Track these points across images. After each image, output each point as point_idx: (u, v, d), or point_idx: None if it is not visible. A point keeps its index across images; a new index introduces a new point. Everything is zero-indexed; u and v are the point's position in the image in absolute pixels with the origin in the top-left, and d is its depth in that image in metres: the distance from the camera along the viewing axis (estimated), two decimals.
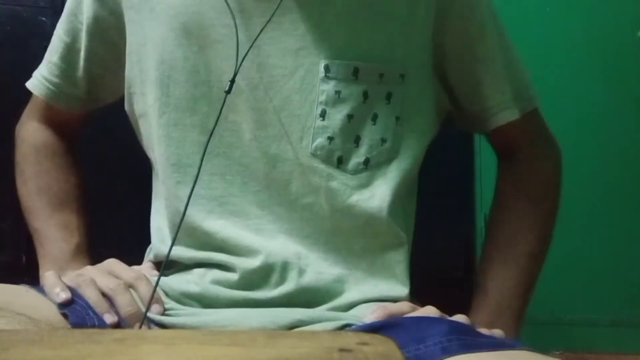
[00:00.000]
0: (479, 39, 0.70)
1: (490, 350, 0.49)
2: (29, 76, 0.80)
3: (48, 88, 0.77)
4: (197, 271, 0.68)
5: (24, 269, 1.05)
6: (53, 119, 0.80)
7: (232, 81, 0.63)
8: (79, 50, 0.76)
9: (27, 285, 0.63)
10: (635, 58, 2.02)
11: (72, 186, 0.79)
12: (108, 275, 0.65)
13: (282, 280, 0.65)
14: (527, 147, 0.77)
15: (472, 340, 0.51)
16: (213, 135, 0.64)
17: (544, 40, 2.06)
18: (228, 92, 0.63)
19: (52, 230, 0.75)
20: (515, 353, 0.51)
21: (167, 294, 0.66)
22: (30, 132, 0.81)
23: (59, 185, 0.78)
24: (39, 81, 0.78)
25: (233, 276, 0.65)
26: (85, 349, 0.36)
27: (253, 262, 0.65)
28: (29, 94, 0.81)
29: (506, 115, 0.72)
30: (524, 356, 0.51)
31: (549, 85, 2.03)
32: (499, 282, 0.72)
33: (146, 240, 0.77)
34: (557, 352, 1.78)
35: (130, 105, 0.74)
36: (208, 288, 0.66)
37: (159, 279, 0.61)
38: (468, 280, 0.99)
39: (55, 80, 0.77)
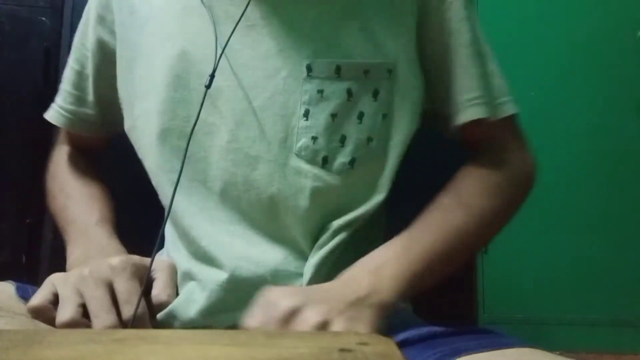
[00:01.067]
0: (452, 36, 0.69)
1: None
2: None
3: (64, 116, 0.80)
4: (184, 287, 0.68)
5: (24, 269, 1.05)
6: (78, 143, 0.84)
7: (212, 76, 0.63)
8: (88, 76, 0.78)
9: (13, 282, 0.63)
10: (635, 58, 2.03)
11: (96, 190, 0.81)
12: (101, 288, 0.59)
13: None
14: (496, 149, 0.72)
15: None
16: (193, 139, 0.64)
17: (544, 40, 2.06)
18: (208, 87, 0.63)
19: (77, 209, 0.76)
20: (519, 351, 0.51)
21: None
22: (58, 154, 0.84)
23: (84, 189, 0.80)
24: (55, 111, 0.81)
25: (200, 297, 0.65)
26: (85, 349, 0.36)
27: (221, 275, 0.64)
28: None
29: (473, 112, 0.68)
30: (529, 355, 0.51)
31: (548, 84, 2.04)
32: (412, 234, 0.65)
33: (145, 240, 0.77)
34: (557, 352, 1.77)
35: (125, 122, 0.75)
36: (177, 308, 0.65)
37: (145, 283, 0.60)
38: (468, 280, 0.99)
39: (70, 107, 0.80)
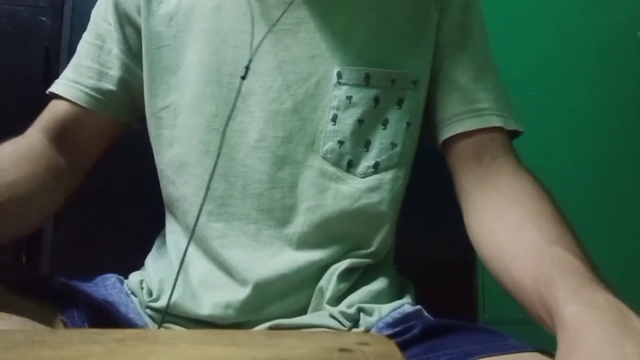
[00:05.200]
0: (464, 46, 0.70)
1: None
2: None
3: (80, 90, 0.71)
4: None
5: (24, 269, 1.05)
6: (66, 140, 0.72)
7: (247, 67, 0.65)
8: (110, 50, 0.72)
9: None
10: (635, 58, 2.03)
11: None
12: None
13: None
14: (507, 159, 0.67)
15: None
16: (218, 135, 0.65)
17: (543, 40, 2.06)
18: (244, 77, 0.65)
19: None
20: (530, 356, 0.51)
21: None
22: (31, 140, 0.69)
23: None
24: (66, 85, 0.72)
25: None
26: (85, 349, 0.36)
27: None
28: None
29: (492, 120, 0.67)
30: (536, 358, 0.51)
31: (548, 85, 2.03)
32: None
33: (145, 239, 0.77)
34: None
35: (146, 108, 0.73)
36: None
37: (178, 274, 0.60)
38: (468, 280, 0.99)
39: (88, 81, 0.72)
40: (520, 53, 2.03)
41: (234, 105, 0.65)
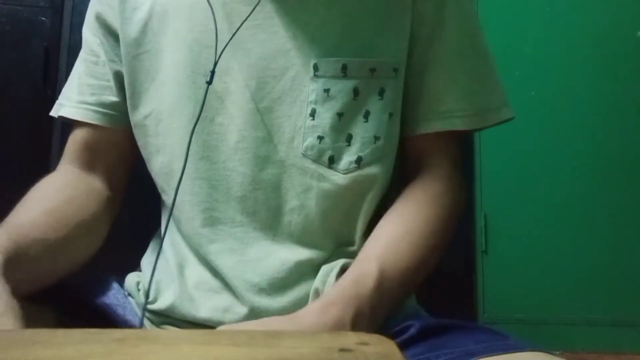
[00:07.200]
0: (437, 41, 0.68)
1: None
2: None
3: (86, 109, 0.72)
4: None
5: None
6: (96, 162, 0.74)
7: (213, 72, 0.63)
8: (105, 62, 0.73)
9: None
10: (635, 58, 2.03)
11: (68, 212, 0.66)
12: None
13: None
14: (443, 164, 0.70)
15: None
16: (198, 138, 0.65)
17: (544, 40, 2.06)
18: (209, 83, 0.63)
19: None
20: (531, 356, 0.51)
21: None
22: (61, 171, 0.72)
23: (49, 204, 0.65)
24: (72, 107, 0.73)
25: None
26: (85, 349, 0.36)
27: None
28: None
29: (450, 123, 0.68)
30: (536, 358, 0.51)
31: (548, 84, 2.04)
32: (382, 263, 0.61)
33: (142, 240, 0.77)
34: (557, 352, 1.78)
35: (131, 116, 0.73)
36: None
37: (149, 289, 0.60)
38: (468, 279, 0.99)
39: (91, 98, 0.73)
40: (521, 53, 2.04)
41: (202, 109, 0.63)
